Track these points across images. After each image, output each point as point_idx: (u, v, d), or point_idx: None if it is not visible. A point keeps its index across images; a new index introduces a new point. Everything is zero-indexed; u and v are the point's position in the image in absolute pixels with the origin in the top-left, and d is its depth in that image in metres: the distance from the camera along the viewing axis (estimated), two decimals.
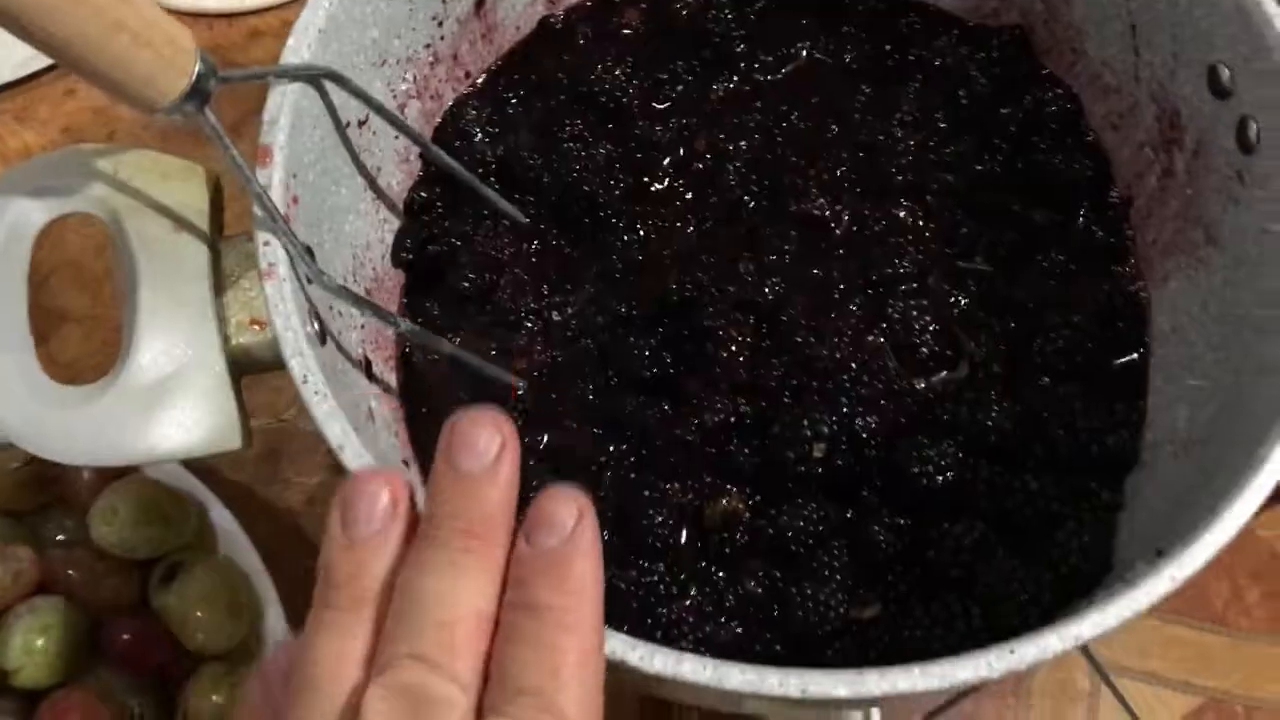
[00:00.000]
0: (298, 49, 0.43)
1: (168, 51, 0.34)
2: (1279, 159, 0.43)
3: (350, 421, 0.40)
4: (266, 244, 0.39)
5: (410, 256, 0.53)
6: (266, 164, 0.41)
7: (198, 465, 0.48)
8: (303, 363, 0.38)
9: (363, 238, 0.50)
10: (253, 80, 0.39)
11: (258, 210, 0.39)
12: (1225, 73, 0.45)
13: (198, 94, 0.36)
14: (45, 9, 0.31)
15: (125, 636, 0.47)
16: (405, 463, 0.49)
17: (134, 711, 0.46)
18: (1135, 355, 0.50)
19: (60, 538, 0.50)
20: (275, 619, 0.48)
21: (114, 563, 0.48)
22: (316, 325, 0.41)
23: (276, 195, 0.41)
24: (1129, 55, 0.50)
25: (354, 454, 0.37)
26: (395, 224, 0.53)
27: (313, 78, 0.43)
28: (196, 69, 0.35)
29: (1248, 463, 0.39)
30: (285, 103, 0.42)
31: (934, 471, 0.46)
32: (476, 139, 0.54)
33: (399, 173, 0.53)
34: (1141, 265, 0.52)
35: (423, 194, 0.54)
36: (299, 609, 0.50)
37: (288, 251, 0.39)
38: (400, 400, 0.51)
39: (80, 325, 0.61)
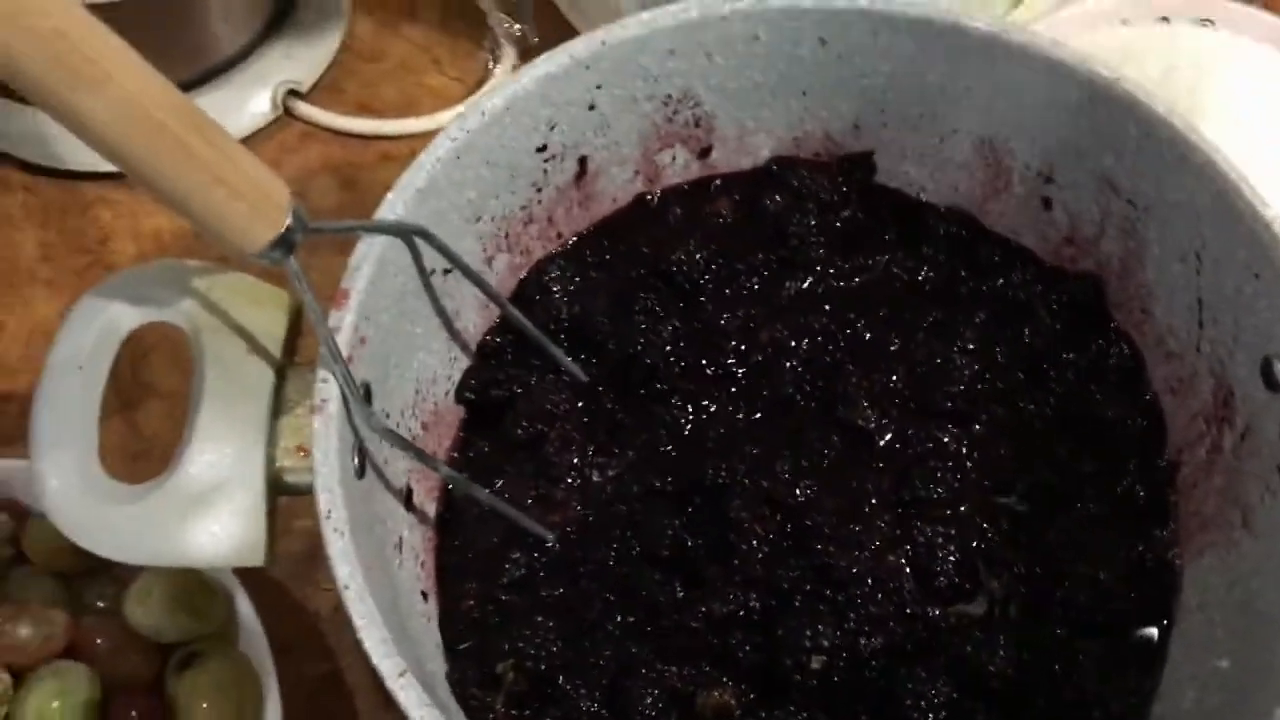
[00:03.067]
0: (394, 204, 0.46)
1: (262, 205, 0.38)
2: None
3: (371, 557, 0.42)
4: (324, 381, 0.42)
5: (473, 396, 0.55)
6: (342, 306, 0.44)
7: None
8: (330, 498, 0.40)
9: (430, 372, 0.53)
10: (342, 232, 0.42)
11: (323, 349, 0.42)
12: (1279, 367, 0.45)
13: (284, 243, 0.39)
14: (159, 163, 0.35)
15: (133, 714, 0.49)
16: (423, 594, 0.51)
17: None
18: (1159, 624, 0.50)
19: (100, 604, 0.53)
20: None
21: (141, 641, 0.51)
22: (357, 460, 0.44)
23: (345, 336, 0.44)
24: (1194, 327, 0.50)
25: (357, 595, 0.39)
26: (465, 362, 0.56)
27: (403, 233, 0.46)
28: (287, 222, 0.39)
29: None
30: (371, 253, 0.45)
31: (927, 708, 0.46)
32: (555, 295, 0.57)
33: (477, 317, 0.56)
34: (1181, 532, 0.51)
35: (497, 339, 0.57)
36: (296, 714, 0.52)
37: (342, 391, 0.42)
38: (434, 529, 0.53)
39: (166, 401, 0.65)
